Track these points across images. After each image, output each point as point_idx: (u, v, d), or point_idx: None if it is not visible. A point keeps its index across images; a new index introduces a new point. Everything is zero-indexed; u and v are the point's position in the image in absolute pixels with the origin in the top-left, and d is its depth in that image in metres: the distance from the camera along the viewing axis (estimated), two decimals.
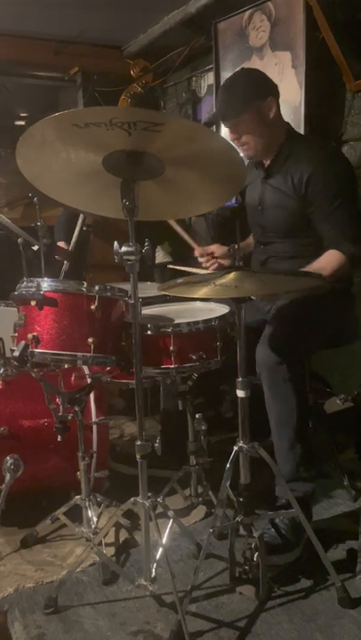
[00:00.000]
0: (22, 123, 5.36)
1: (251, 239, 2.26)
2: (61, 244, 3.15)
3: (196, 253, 2.31)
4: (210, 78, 3.59)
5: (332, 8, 2.61)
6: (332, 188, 1.85)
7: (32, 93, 4.59)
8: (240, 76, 2.01)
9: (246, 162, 2.04)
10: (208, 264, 2.28)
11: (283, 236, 2.01)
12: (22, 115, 5.41)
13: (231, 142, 1.95)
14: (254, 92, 1.91)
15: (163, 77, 3.92)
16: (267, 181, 2.01)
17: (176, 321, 1.82)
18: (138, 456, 1.53)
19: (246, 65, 3.06)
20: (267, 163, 2.01)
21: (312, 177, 1.86)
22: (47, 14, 3.33)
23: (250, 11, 3.00)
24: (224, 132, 3.27)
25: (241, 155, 1.88)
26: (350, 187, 1.90)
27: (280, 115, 1.98)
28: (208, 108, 3.70)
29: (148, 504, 1.55)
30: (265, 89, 1.93)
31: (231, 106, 1.93)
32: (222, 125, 3.31)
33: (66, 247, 3.07)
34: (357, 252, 1.83)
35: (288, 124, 2.03)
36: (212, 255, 2.28)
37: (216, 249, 2.27)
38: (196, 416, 1.99)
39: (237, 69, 2.15)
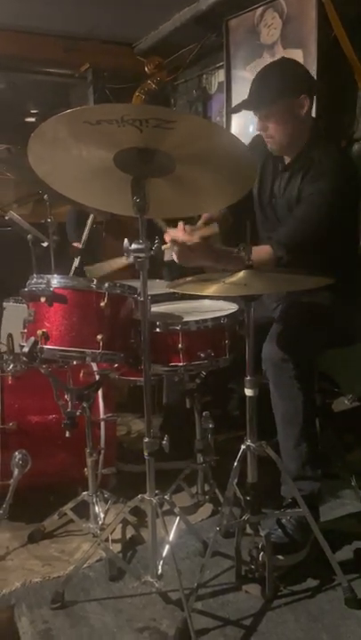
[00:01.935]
0: (33, 119, 5.38)
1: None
2: (76, 244, 3.16)
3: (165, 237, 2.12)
4: (220, 76, 3.58)
5: (345, 5, 2.60)
6: (319, 200, 1.83)
7: (42, 90, 4.61)
8: (278, 67, 1.96)
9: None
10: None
11: None
12: (33, 111, 5.43)
13: (259, 132, 1.95)
14: (288, 86, 1.85)
15: (173, 74, 3.91)
16: (283, 177, 1.99)
17: (185, 319, 1.83)
18: (146, 453, 1.53)
19: (257, 62, 3.06)
20: (287, 160, 1.98)
21: (311, 181, 1.85)
22: (58, 11, 3.34)
23: (262, 8, 2.99)
24: (234, 127, 3.29)
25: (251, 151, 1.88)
26: (339, 202, 1.84)
27: (311, 113, 1.93)
28: (219, 105, 3.69)
29: (155, 501, 1.56)
30: (300, 85, 1.87)
31: (262, 96, 1.88)
32: (233, 120, 3.35)
33: (79, 246, 3.07)
34: (287, 259, 1.81)
35: (316, 122, 1.99)
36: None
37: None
38: (204, 414, 1.99)
39: (278, 58, 2.09)
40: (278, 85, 1.86)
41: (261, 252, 1.82)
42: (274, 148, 1.96)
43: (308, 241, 1.83)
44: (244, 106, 1.98)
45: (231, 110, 3.33)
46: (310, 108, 1.91)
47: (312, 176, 1.86)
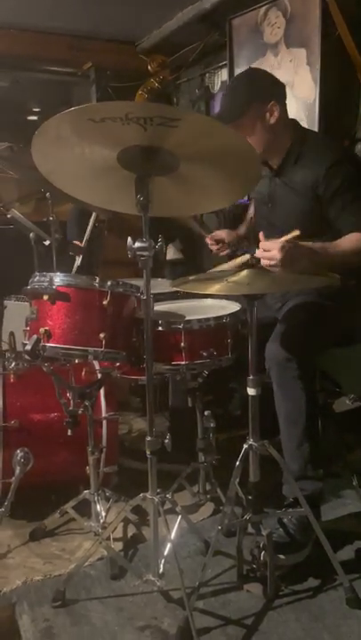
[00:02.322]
0: (35, 118, 5.37)
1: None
2: (77, 242, 3.15)
3: (207, 240, 2.33)
4: (223, 75, 3.58)
5: (349, 4, 2.59)
6: (347, 184, 1.84)
7: (45, 88, 4.60)
8: (243, 78, 1.98)
9: None
10: (218, 249, 2.31)
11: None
12: (35, 110, 5.43)
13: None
14: (254, 95, 1.86)
15: (176, 73, 3.91)
16: (276, 180, 1.99)
17: (187, 317, 1.82)
18: (148, 452, 1.53)
19: (260, 62, 3.06)
20: (274, 164, 1.98)
21: (327, 176, 1.84)
22: (61, 10, 3.34)
23: (265, 7, 2.99)
24: None
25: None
26: None
27: (285, 118, 1.93)
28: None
29: (157, 500, 1.56)
30: (266, 92, 1.88)
31: (230, 108, 1.90)
32: None
33: (80, 244, 3.07)
34: None
35: (296, 123, 1.99)
36: (222, 241, 2.30)
37: (226, 235, 2.30)
38: (205, 413, 1.99)
39: (244, 70, 2.12)
40: (244, 97, 1.87)
41: (353, 241, 1.78)
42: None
43: None
44: (216, 119, 1.99)
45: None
46: (283, 113, 1.91)
47: (327, 172, 1.84)
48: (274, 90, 1.91)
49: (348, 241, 1.80)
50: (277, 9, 2.92)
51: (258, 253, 1.63)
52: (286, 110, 1.95)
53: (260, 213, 2.12)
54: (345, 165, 1.87)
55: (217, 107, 3.76)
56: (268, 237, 2.09)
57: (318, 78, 2.71)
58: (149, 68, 3.31)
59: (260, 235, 1.65)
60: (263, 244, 1.63)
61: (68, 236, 3.29)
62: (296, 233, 1.63)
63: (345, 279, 1.70)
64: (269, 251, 1.59)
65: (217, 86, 3.74)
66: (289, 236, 1.64)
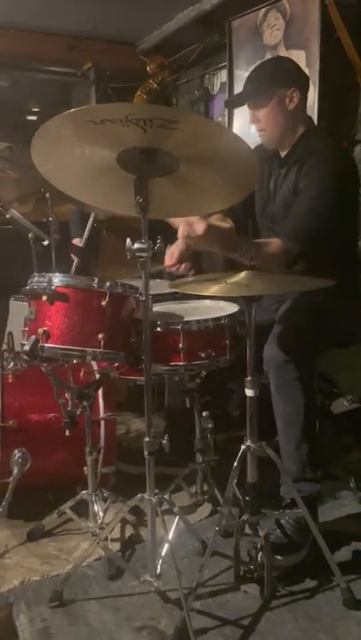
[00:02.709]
0: (34, 117, 5.38)
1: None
2: (76, 241, 3.15)
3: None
4: (223, 76, 3.58)
5: (348, 7, 2.61)
6: (313, 189, 1.85)
7: (44, 88, 4.61)
8: (270, 62, 2.05)
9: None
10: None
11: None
12: (34, 109, 5.43)
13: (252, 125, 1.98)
14: (277, 79, 1.91)
15: (176, 74, 3.91)
16: (279, 173, 2.01)
17: (185, 318, 1.83)
18: (146, 452, 1.54)
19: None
20: (283, 154, 2.00)
21: (309, 172, 1.87)
22: (61, 10, 3.34)
23: (265, 8, 3.00)
24: (236, 127, 3.29)
25: (253, 146, 1.88)
26: (339, 192, 1.86)
27: (303, 108, 1.97)
28: (221, 105, 3.69)
29: (154, 500, 1.56)
30: (290, 79, 1.92)
31: (252, 88, 1.95)
32: (234, 120, 3.34)
33: (78, 243, 3.07)
34: (296, 251, 1.81)
35: (310, 118, 2.02)
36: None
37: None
38: (203, 414, 1.99)
39: (248, 69, 2.15)
40: (268, 77, 1.93)
41: (271, 245, 1.82)
42: (266, 141, 1.99)
43: (316, 231, 1.84)
44: (237, 97, 2.02)
45: (227, 103, 3.32)
46: (302, 102, 1.95)
47: (309, 167, 1.88)
48: (297, 78, 1.96)
49: (267, 245, 1.82)
50: (277, 11, 2.93)
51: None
52: (306, 102, 1.98)
53: (260, 207, 2.12)
54: (330, 166, 1.87)
55: (217, 108, 3.77)
56: (264, 230, 2.10)
57: (318, 80, 2.72)
58: (148, 69, 3.31)
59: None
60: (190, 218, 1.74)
61: (72, 236, 3.29)
62: (228, 223, 1.72)
63: (342, 281, 1.71)
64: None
65: (216, 87, 3.75)
66: (218, 222, 1.73)
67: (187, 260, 1.99)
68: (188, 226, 1.75)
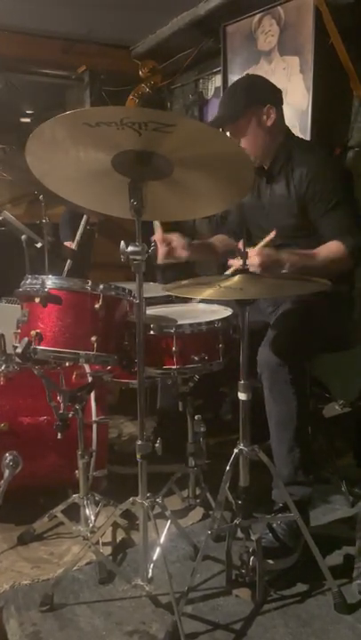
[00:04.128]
0: (28, 120, 5.37)
1: (218, 238, 2.28)
2: (68, 244, 3.15)
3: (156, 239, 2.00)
4: (217, 81, 3.60)
5: (342, 14, 2.63)
6: (330, 188, 1.87)
7: (38, 91, 4.60)
8: (241, 82, 2.04)
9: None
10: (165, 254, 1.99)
11: (285, 237, 2.01)
12: (28, 112, 5.42)
13: None
14: (252, 98, 1.92)
15: (170, 79, 3.93)
16: (268, 184, 2.02)
17: (179, 322, 1.83)
18: (138, 456, 1.53)
19: (254, 69, 3.08)
20: (266, 166, 2.02)
21: (311, 178, 1.88)
22: (56, 13, 3.34)
23: (259, 14, 3.01)
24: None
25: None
26: (347, 188, 1.91)
27: (281, 122, 1.99)
28: (215, 110, 3.70)
29: (146, 504, 1.55)
30: (264, 96, 1.94)
31: (228, 111, 1.95)
32: None
33: (71, 246, 3.07)
34: (359, 243, 1.82)
35: (288, 130, 2.04)
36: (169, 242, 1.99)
37: (176, 238, 1.99)
38: (196, 417, 1.99)
39: (239, 76, 2.16)
40: (242, 100, 1.93)
41: (332, 250, 1.81)
42: (250, 159, 1.99)
43: (354, 219, 1.85)
44: (214, 122, 2.03)
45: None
46: (279, 117, 1.96)
47: (303, 169, 1.89)
48: (271, 94, 1.97)
49: (327, 249, 1.83)
50: (272, 17, 2.95)
51: (233, 261, 1.67)
52: (283, 115, 2.00)
53: (252, 219, 2.14)
54: (329, 168, 1.92)
55: (211, 112, 3.78)
56: (259, 241, 2.11)
57: (311, 86, 2.74)
58: (140, 73, 3.33)
59: (240, 244, 1.65)
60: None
61: (61, 238, 3.29)
62: (272, 235, 1.67)
63: (336, 285, 1.72)
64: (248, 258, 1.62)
65: (211, 92, 3.76)
66: (266, 240, 1.69)
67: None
68: (165, 244, 1.80)
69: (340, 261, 1.83)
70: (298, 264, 1.75)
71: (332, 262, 1.81)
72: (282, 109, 2.00)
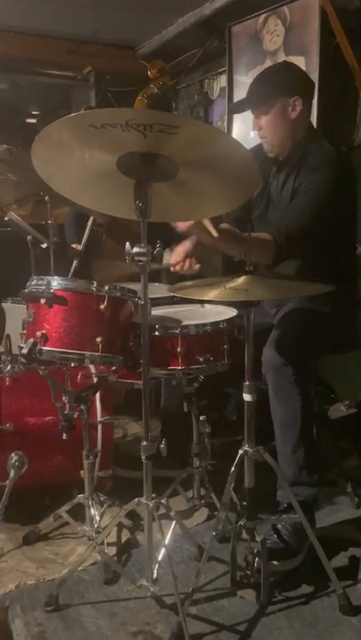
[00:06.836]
0: (34, 120, 5.39)
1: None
2: (75, 245, 3.16)
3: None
4: (222, 81, 3.60)
5: (348, 14, 2.62)
6: (312, 188, 1.85)
7: (44, 92, 4.62)
8: (274, 69, 2.03)
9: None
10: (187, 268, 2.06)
11: None
12: (34, 113, 5.44)
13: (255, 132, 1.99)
14: (281, 87, 1.90)
15: (176, 79, 3.93)
16: (277, 177, 2.01)
17: (184, 322, 1.83)
18: (143, 456, 1.53)
19: (260, 69, 3.07)
20: (281, 158, 2.00)
21: (308, 174, 1.87)
22: (62, 14, 3.35)
23: (265, 14, 3.01)
24: (235, 132, 3.30)
25: (251, 152, 1.89)
26: (337, 195, 1.85)
27: (306, 115, 1.96)
28: (220, 110, 3.71)
29: (151, 505, 1.56)
30: (293, 87, 1.91)
31: (255, 96, 1.94)
32: (234, 125, 3.35)
33: (77, 247, 3.07)
34: (286, 247, 1.78)
35: (311, 125, 2.02)
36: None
37: (227, 227, 1.89)
38: (201, 418, 1.99)
39: (247, 75, 2.15)
40: (272, 85, 1.92)
41: (261, 236, 1.80)
42: (267, 148, 1.99)
43: (308, 230, 1.82)
44: (239, 104, 2.02)
45: (230, 109, 3.33)
46: (305, 111, 1.94)
47: (307, 169, 1.88)
48: (301, 86, 1.94)
49: (258, 236, 1.79)
50: (277, 17, 2.94)
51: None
52: (310, 109, 1.97)
53: (256, 212, 2.12)
54: (329, 170, 1.87)
55: (216, 112, 3.78)
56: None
57: (317, 86, 2.73)
58: (149, 73, 3.32)
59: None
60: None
61: (67, 238, 3.29)
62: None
63: (341, 286, 1.71)
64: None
65: (216, 92, 3.76)
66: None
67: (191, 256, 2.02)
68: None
69: (264, 252, 1.77)
70: (231, 230, 1.74)
71: (258, 250, 1.75)
72: (310, 104, 1.96)
